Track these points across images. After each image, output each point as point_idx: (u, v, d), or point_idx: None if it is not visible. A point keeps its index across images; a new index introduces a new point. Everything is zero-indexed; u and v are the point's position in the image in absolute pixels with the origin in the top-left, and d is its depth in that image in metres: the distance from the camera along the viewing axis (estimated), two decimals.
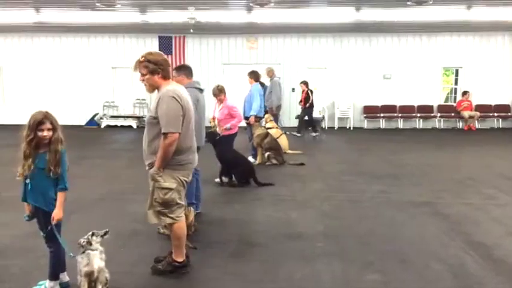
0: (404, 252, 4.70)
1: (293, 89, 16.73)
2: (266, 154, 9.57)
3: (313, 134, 14.10)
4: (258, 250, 4.81)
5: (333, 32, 16.14)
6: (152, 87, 3.95)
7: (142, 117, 16.15)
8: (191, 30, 12.76)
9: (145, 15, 12.65)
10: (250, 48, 16.70)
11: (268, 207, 6.44)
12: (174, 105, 3.79)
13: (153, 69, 3.85)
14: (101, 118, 16.82)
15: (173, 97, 3.79)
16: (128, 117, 16.88)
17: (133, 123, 16.48)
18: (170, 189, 3.88)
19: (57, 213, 3.52)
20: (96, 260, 3.49)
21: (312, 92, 14.20)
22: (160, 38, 16.47)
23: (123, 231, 5.19)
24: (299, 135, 14.04)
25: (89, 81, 17.00)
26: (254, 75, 9.83)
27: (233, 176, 7.64)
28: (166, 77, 3.94)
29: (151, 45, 16.55)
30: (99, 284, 3.52)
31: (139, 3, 11.55)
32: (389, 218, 5.92)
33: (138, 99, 16.92)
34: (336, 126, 16.56)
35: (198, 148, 5.58)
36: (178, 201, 3.99)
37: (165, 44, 16.50)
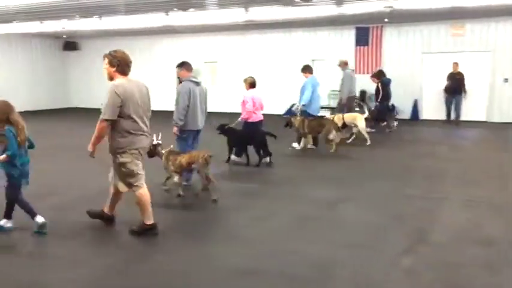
0: None
1: (506, 79, 14.69)
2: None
3: (387, 130, 13.31)
4: (437, 250, 4.52)
5: None
6: (109, 76, 4.69)
7: (335, 108, 16.41)
8: (385, 20, 12.38)
9: (341, 8, 12.77)
10: (455, 35, 15.24)
11: (457, 207, 5.94)
12: (112, 96, 4.48)
13: (110, 60, 4.62)
14: (297, 108, 17.66)
15: (113, 89, 4.50)
16: (322, 107, 17.33)
17: (327, 114, 16.86)
18: (127, 162, 4.65)
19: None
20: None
21: (384, 84, 13.09)
22: (357, 29, 16.41)
23: None
24: (373, 130, 12.92)
25: (290, 73, 18.06)
26: (308, 69, 10.41)
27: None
28: (121, 72, 4.64)
29: (348, 36, 16.67)
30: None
31: None
32: None
33: (334, 91, 17.23)
34: None
35: (198, 131, 6.89)
36: (139, 172, 4.74)
37: (362, 35, 16.37)
